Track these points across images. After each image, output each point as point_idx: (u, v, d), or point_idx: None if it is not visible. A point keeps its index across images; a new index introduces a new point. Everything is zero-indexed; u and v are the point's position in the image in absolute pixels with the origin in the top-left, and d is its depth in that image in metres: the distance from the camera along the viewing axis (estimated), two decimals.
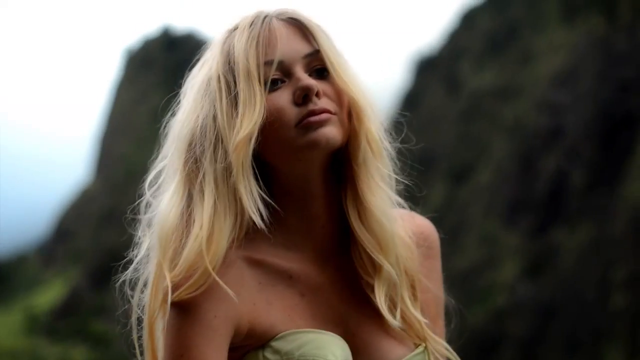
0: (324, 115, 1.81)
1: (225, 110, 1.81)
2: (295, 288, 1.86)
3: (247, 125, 1.79)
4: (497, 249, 48.51)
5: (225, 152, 1.80)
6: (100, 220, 60.62)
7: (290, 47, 1.84)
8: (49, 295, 54.92)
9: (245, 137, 1.78)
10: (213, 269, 1.76)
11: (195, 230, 1.78)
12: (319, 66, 1.86)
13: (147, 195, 1.91)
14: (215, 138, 1.81)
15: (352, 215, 1.87)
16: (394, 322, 1.86)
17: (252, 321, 1.81)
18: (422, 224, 2.04)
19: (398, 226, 1.92)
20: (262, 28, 1.85)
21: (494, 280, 47.78)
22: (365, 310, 1.89)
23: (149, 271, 1.85)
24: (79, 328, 47.96)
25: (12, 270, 68.76)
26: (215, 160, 1.80)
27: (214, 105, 1.83)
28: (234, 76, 1.83)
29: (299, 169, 1.84)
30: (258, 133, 1.80)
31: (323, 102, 1.82)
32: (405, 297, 1.91)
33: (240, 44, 1.83)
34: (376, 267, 1.88)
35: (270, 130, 1.81)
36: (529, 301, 44.52)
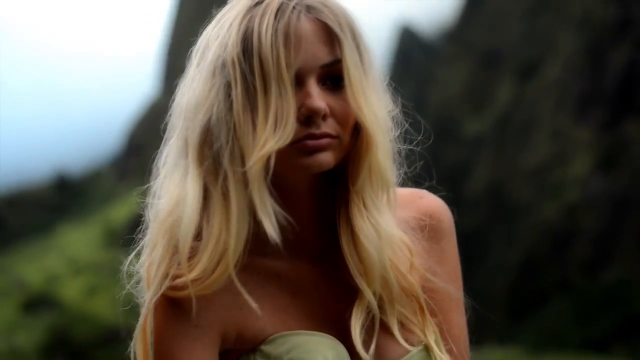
0: (323, 141, 1.68)
1: (242, 106, 1.67)
2: (286, 288, 1.76)
3: (276, 140, 1.65)
4: (568, 144, 48.08)
5: (242, 156, 1.67)
6: None
7: (312, 52, 1.67)
8: (124, 208, 55.78)
9: (270, 153, 1.65)
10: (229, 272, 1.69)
11: (215, 232, 1.69)
12: (336, 74, 1.69)
13: (160, 176, 1.79)
14: (232, 137, 1.67)
15: (344, 235, 1.75)
16: (365, 355, 1.72)
17: (239, 326, 1.74)
18: (430, 203, 1.88)
19: (398, 222, 1.78)
20: (290, 21, 1.67)
21: (566, 175, 47.46)
22: None
23: (157, 259, 1.75)
24: None
25: (87, 185, 69.89)
26: (234, 162, 1.68)
27: (229, 95, 1.68)
28: (251, 67, 1.66)
29: (289, 176, 1.72)
30: None
31: (327, 125, 1.68)
32: (393, 324, 1.77)
33: (266, 35, 1.66)
34: (358, 291, 1.75)
35: None
36: (602, 195, 44.22)
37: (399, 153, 1.82)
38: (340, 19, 1.70)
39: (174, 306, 1.72)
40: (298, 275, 1.78)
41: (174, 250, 1.72)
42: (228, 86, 1.68)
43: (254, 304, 1.69)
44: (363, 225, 1.73)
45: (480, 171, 56.15)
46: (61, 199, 66.93)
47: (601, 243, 43.16)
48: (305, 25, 1.68)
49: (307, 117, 1.67)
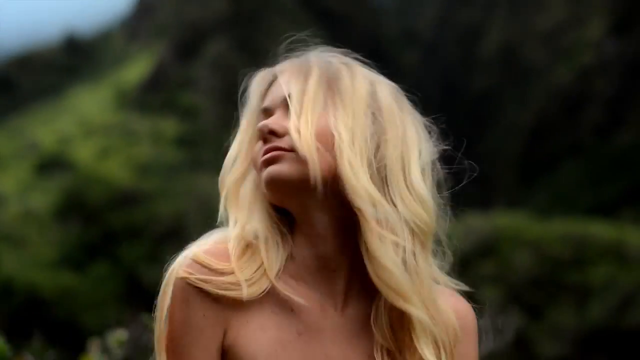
0: (270, 154, 1.82)
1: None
2: (294, 323, 1.80)
3: (237, 169, 1.91)
4: (583, 6, 47.52)
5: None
6: None
7: (275, 92, 1.90)
8: (135, 70, 55.64)
9: (234, 180, 1.90)
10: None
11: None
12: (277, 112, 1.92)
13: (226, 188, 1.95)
14: None
15: (369, 267, 1.78)
16: None
17: (237, 337, 1.79)
18: (459, 302, 1.90)
19: (442, 300, 1.83)
20: (270, 71, 1.94)
21: (579, 38, 47.04)
22: None
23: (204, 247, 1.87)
24: (167, 101, 48.73)
25: (97, 47, 69.59)
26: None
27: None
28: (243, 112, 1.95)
29: (291, 206, 1.84)
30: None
31: (280, 141, 1.83)
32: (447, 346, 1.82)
33: (252, 87, 1.95)
34: (404, 322, 1.79)
35: None
36: (616, 58, 43.92)
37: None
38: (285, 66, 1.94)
39: (192, 293, 1.79)
40: (310, 315, 1.81)
41: (221, 247, 1.83)
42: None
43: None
44: (376, 246, 1.78)
45: (493, 32, 55.65)
46: (71, 60, 66.75)
47: (613, 106, 43.09)
48: (279, 71, 1.93)
49: (264, 140, 1.86)
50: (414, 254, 1.78)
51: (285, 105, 1.86)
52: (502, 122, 48.86)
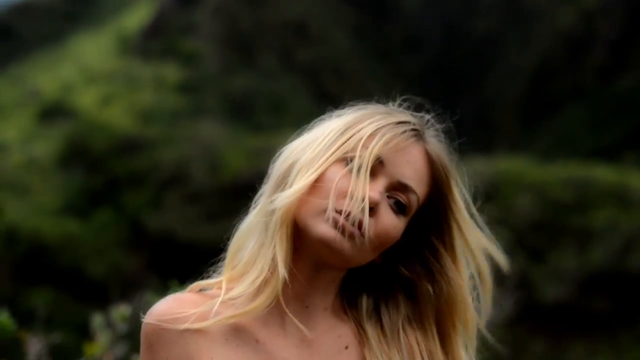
0: (352, 231, 1.73)
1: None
2: (259, 355, 1.79)
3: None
4: None
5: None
6: None
7: (401, 164, 1.79)
8: (137, 16, 55.34)
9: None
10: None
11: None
12: (402, 202, 1.79)
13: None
14: None
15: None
16: None
17: None
18: None
19: None
20: (403, 134, 1.80)
21: None
22: None
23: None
24: (168, 47, 48.53)
25: None
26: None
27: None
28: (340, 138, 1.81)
29: (311, 250, 1.77)
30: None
31: (369, 222, 1.73)
32: None
33: (371, 126, 1.79)
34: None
35: (313, 192, 1.76)
36: (620, 0, 43.64)
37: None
38: (445, 163, 1.92)
39: (155, 337, 1.79)
40: (275, 347, 1.80)
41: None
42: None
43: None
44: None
45: None
46: (72, 7, 66.39)
47: (616, 49, 42.90)
48: (415, 147, 1.89)
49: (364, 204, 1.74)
50: None
51: (396, 187, 1.79)
52: (504, 66, 48.70)
